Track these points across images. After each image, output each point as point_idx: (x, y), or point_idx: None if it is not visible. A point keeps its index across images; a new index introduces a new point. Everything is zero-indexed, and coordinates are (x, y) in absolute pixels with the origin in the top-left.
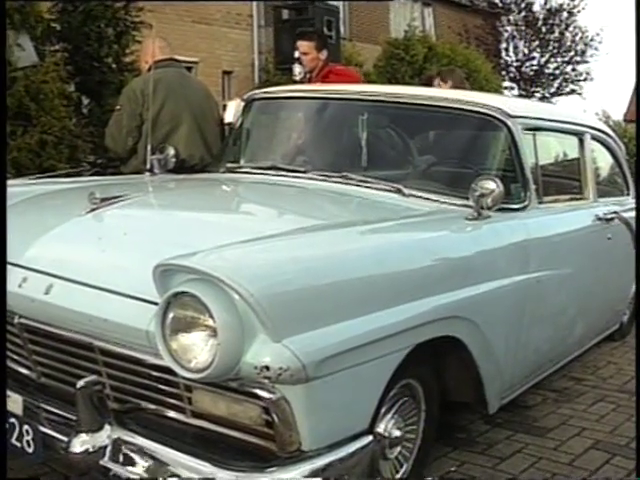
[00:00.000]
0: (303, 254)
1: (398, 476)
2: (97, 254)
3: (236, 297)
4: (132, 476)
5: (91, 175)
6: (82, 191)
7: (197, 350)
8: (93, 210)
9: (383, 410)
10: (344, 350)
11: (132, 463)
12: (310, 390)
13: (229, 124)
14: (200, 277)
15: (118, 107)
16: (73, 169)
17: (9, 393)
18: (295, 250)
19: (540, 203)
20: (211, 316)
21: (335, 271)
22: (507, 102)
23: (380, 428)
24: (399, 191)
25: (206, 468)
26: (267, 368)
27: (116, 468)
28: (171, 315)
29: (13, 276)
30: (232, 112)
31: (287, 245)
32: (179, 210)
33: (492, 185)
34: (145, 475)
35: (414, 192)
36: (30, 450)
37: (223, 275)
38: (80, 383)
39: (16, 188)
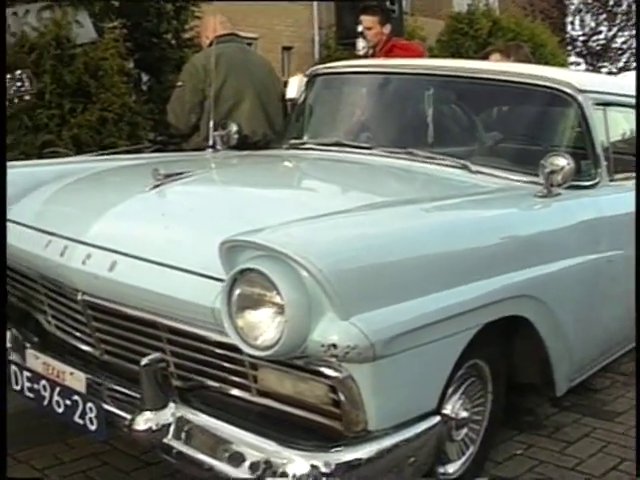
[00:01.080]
0: (370, 231)
1: (463, 458)
2: (161, 230)
3: (304, 274)
4: (195, 454)
5: (152, 152)
6: (144, 168)
7: (264, 327)
8: (157, 186)
9: (450, 390)
10: (412, 328)
11: (195, 441)
12: (377, 369)
13: (292, 100)
14: (267, 254)
15: (180, 83)
16: (133, 146)
17: (73, 370)
18: (362, 227)
19: (611, 180)
20: (278, 293)
21: (403, 248)
22: (577, 77)
23: (447, 409)
24: (466, 167)
25: (271, 447)
26: (334, 346)
27: (179, 446)
28: (237, 292)
29: (77, 253)
30: (295, 88)
31: (354, 222)
32: (243, 186)
33: (562, 162)
34: (208, 453)
35: (481, 168)
36: (93, 428)
37: (291, 251)
38: (144, 361)
39: (77, 165)
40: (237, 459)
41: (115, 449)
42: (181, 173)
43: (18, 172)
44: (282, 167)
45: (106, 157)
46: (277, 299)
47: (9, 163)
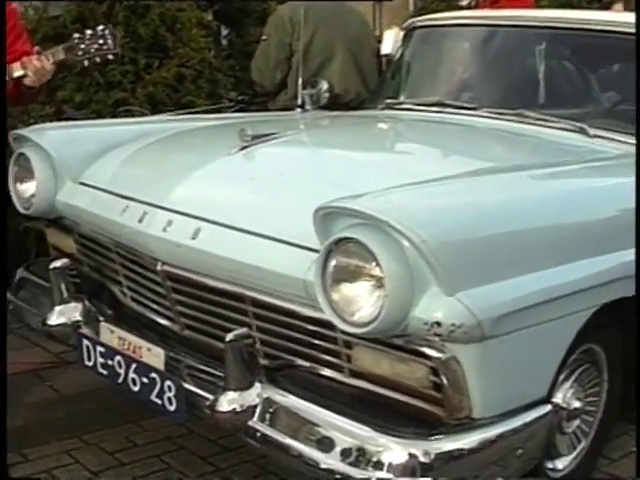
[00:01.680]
0: (476, 199)
1: (574, 453)
2: (250, 195)
3: (406, 244)
4: (282, 439)
5: (234, 112)
6: (228, 128)
7: (361, 302)
8: (244, 148)
9: (562, 377)
10: (523, 307)
11: (283, 424)
12: (484, 350)
13: (387, 56)
14: (366, 222)
15: (265, 37)
16: (213, 106)
17: (150, 345)
18: (467, 195)
19: None
20: (378, 265)
21: (513, 219)
22: None
23: (558, 397)
24: (583, 131)
25: (365, 432)
26: (438, 324)
27: (265, 429)
28: (333, 263)
29: (157, 219)
30: (390, 42)
31: (458, 189)
32: (336, 150)
33: None
34: (296, 437)
35: (600, 132)
36: (172, 408)
37: (392, 219)
38: (229, 336)
39: (154, 125)
40: (326, 444)
41: (192, 433)
42: (270, 134)
43: (91, 132)
44: (377, 129)
45: (185, 117)
46: (376, 271)
47: (81, 122)
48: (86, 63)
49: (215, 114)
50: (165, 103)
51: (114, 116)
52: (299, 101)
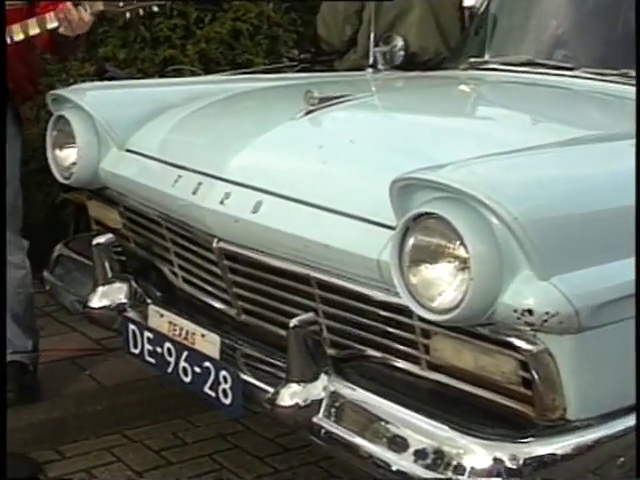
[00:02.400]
0: (575, 172)
1: None
2: (317, 165)
3: (495, 221)
4: (351, 437)
5: (296, 72)
6: (291, 90)
7: (443, 286)
8: (310, 112)
9: None
10: (627, 295)
11: (351, 421)
12: (581, 343)
13: (470, 9)
14: (450, 195)
15: None
16: (273, 65)
17: (204, 331)
18: (564, 167)
19: None
20: (463, 244)
21: (616, 194)
22: None
23: None
24: None
25: (443, 432)
26: (530, 312)
27: (331, 427)
28: (411, 242)
29: (214, 191)
30: None
31: (554, 160)
32: (414, 114)
33: None
34: (367, 436)
35: None
36: (227, 401)
37: (480, 193)
38: (293, 322)
39: (207, 86)
40: (399, 444)
41: (248, 430)
42: (339, 97)
43: (138, 93)
44: (459, 92)
45: (241, 77)
46: (461, 251)
47: (126, 82)
48: (128, 15)
49: (275, 74)
50: (219, 62)
51: (162, 76)
52: (370, 60)
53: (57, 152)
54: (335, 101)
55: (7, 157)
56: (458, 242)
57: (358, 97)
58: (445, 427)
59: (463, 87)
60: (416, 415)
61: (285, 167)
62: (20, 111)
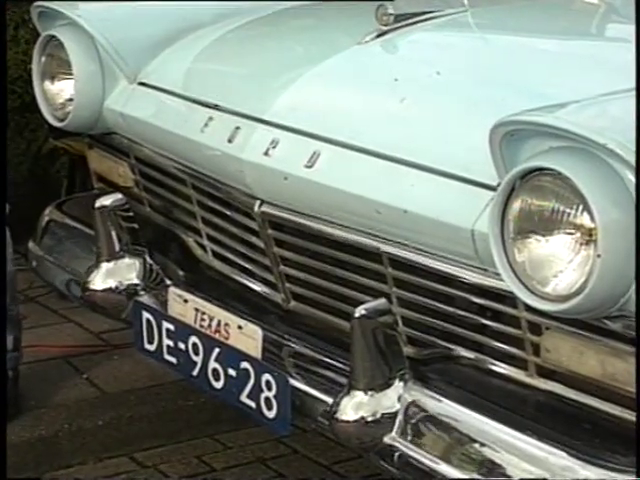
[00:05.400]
0: None
1: None
2: (392, 105)
3: (632, 179)
4: (434, 464)
5: None
6: (357, 5)
7: (559, 265)
8: (382, 34)
9: None
10: None
11: (435, 443)
12: None
13: None
14: (571, 145)
15: None
16: None
17: (242, 322)
18: None
19: None
20: (587, 209)
21: None
22: None
23: None
24: None
25: (559, 460)
26: None
27: (408, 449)
28: (517, 206)
29: (255, 138)
30: None
31: None
32: (520, 36)
33: None
34: (454, 463)
35: None
36: (270, 414)
37: (612, 142)
38: (358, 311)
39: (244, 2)
40: (498, 474)
41: (295, 453)
42: (421, 14)
43: (154, 9)
44: (583, 4)
45: None
46: (584, 220)
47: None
48: None
49: None
50: None
51: None
52: None
53: (47, 85)
54: (416, 19)
55: None
56: (581, 207)
57: (446, 13)
58: (561, 453)
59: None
60: (521, 436)
61: (349, 107)
62: None
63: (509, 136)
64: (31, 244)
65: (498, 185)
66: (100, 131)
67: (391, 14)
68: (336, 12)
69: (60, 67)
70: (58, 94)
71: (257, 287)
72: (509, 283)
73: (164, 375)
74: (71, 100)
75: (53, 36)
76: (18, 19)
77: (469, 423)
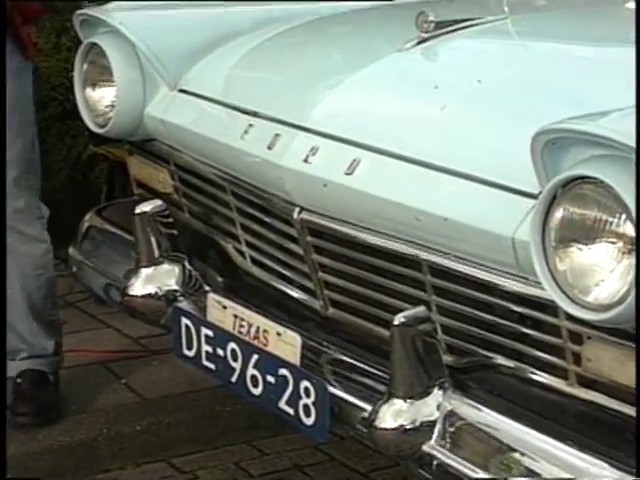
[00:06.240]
0: None
1: None
2: (432, 111)
3: None
4: (471, 472)
5: None
6: (396, 12)
7: (601, 274)
8: (423, 41)
9: None
10: None
11: (474, 452)
12: None
13: None
14: (614, 153)
15: None
16: None
17: (281, 329)
18: None
19: None
20: (630, 218)
21: None
22: None
23: None
24: None
25: (600, 469)
26: None
27: (447, 458)
28: (559, 215)
29: (295, 145)
30: None
31: None
32: (562, 44)
33: None
34: (494, 471)
35: None
36: (309, 421)
37: None
38: (398, 319)
39: (285, 6)
40: None
41: (332, 460)
42: (461, 21)
43: (194, 16)
44: (627, 12)
45: None
46: (626, 228)
47: (179, 1)
48: None
49: None
50: None
51: None
52: None
53: (89, 92)
54: (456, 26)
55: (15, 97)
56: (624, 215)
57: (486, 21)
58: (602, 464)
59: (630, 5)
60: (562, 446)
61: (390, 114)
62: (22, 34)
63: (551, 144)
64: (71, 250)
65: (539, 193)
66: (140, 138)
67: (432, 21)
68: (376, 19)
69: (101, 74)
70: (99, 101)
71: (295, 294)
72: (550, 292)
73: (202, 381)
74: (112, 107)
75: (95, 43)
76: (60, 27)
77: (509, 432)
